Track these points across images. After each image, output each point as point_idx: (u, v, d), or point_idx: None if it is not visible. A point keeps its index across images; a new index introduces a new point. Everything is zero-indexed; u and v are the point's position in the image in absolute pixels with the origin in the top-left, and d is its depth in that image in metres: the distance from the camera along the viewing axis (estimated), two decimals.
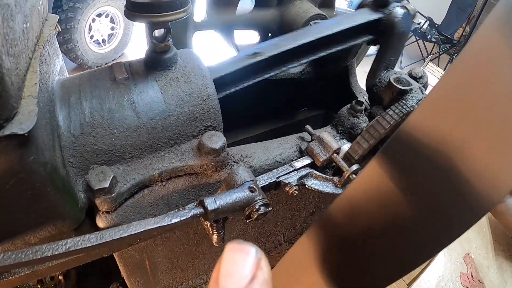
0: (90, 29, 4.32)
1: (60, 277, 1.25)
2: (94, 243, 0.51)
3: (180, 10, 0.69)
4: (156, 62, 0.75)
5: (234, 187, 0.66)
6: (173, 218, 0.56)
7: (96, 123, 0.69)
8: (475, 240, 2.85)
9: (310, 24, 1.28)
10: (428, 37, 5.84)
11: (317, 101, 1.43)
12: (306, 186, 0.90)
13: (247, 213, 0.65)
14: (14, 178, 0.51)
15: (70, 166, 0.68)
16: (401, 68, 5.86)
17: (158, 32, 0.73)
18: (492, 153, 0.34)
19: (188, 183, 0.77)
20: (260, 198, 0.66)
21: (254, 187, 0.66)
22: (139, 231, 0.53)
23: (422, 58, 5.99)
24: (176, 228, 0.62)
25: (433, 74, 5.24)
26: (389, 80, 1.09)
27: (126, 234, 0.53)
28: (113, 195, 0.66)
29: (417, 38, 5.98)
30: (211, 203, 0.59)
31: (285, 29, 1.37)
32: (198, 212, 0.58)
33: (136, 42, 4.92)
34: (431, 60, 5.77)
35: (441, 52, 5.90)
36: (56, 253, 0.51)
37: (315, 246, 0.56)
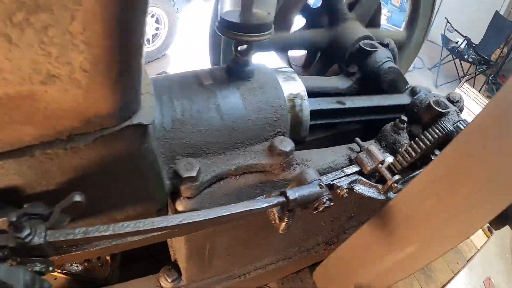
0: None
1: (108, 257, 1.43)
2: (202, 218, 0.69)
3: (265, 33, 0.88)
4: (237, 73, 0.94)
5: (305, 183, 0.84)
6: (263, 204, 0.74)
7: (186, 121, 0.88)
8: (497, 265, 2.96)
9: (360, 45, 1.47)
10: (465, 56, 5.97)
11: None
12: (354, 190, 1.07)
13: (315, 205, 0.83)
14: (129, 159, 0.69)
15: (160, 155, 0.87)
16: (436, 87, 5.99)
17: (241, 48, 0.92)
18: None
19: (257, 179, 0.94)
20: (327, 193, 0.83)
21: (322, 184, 0.84)
22: (237, 211, 0.71)
23: (458, 78, 6.11)
24: (255, 214, 0.80)
25: (468, 95, 5.35)
26: (429, 103, 1.28)
27: (228, 213, 0.70)
28: (197, 183, 0.84)
29: (454, 57, 6.12)
30: (292, 193, 0.77)
31: (335, 48, 1.56)
32: (281, 201, 0.76)
33: (179, 44, 5.20)
34: (466, 81, 5.89)
35: (477, 73, 6.01)
36: (170, 224, 0.69)
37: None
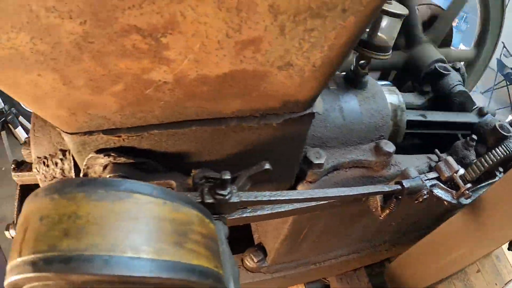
0: None
1: None
2: (350, 193, 0.90)
3: (385, 54, 1.11)
4: (355, 82, 1.17)
5: (409, 178, 1.05)
6: (383, 188, 0.95)
7: (317, 117, 1.09)
8: None
9: (435, 67, 1.69)
10: None
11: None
12: (433, 192, 1.28)
13: (417, 196, 1.04)
14: (293, 139, 0.89)
15: None
16: None
17: (363, 62, 1.14)
18: None
19: (361, 173, 1.16)
20: (425, 188, 1.04)
21: (422, 180, 1.05)
22: (364, 192, 0.93)
23: (510, 105, 6.22)
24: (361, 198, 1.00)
25: None
26: (495, 126, 1.50)
27: (357, 192, 0.92)
28: (321, 170, 1.06)
29: (508, 83, 6.22)
30: (406, 183, 0.98)
31: (410, 68, 1.78)
32: (397, 188, 0.98)
33: None
34: None
35: None
36: (332, 195, 0.89)
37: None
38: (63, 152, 1.01)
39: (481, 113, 1.65)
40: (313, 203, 1.01)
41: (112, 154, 0.79)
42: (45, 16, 0.48)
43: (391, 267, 1.35)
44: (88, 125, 0.73)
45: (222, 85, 0.63)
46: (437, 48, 1.83)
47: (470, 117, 1.63)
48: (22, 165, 1.18)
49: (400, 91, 1.88)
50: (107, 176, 0.82)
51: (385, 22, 1.08)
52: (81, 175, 0.89)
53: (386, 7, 1.05)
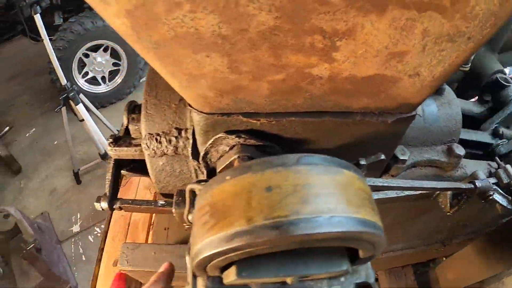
0: None
1: None
2: (436, 186, 1.07)
3: (465, 66, 1.27)
4: None
5: (479, 180, 1.22)
6: (461, 185, 1.12)
7: None
8: None
9: (497, 77, 1.84)
10: None
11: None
12: (493, 197, 1.44)
13: (483, 197, 1.21)
14: (396, 136, 1.04)
15: None
16: None
17: None
18: None
19: (433, 172, 1.33)
20: (492, 189, 1.21)
21: (490, 182, 1.22)
22: (442, 186, 1.10)
23: None
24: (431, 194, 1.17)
25: None
26: None
27: (438, 186, 1.09)
28: (404, 165, 1.24)
29: None
30: (479, 183, 1.15)
31: (471, 79, 1.94)
32: (470, 187, 1.14)
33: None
34: None
35: None
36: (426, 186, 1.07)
37: None
38: (179, 130, 1.15)
39: (496, 133, 1.76)
40: (394, 195, 1.18)
41: (243, 136, 0.95)
42: (245, 5, 0.55)
43: (442, 266, 1.52)
44: (229, 107, 0.87)
45: (362, 85, 0.80)
46: (497, 54, 1.99)
47: (484, 137, 1.74)
48: (120, 140, 1.31)
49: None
50: (235, 156, 0.97)
51: None
52: (201, 153, 1.06)
53: None
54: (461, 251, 1.48)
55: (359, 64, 0.75)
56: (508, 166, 1.49)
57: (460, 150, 1.30)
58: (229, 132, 0.95)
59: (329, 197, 0.54)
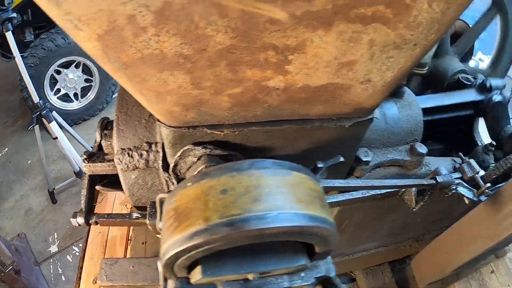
0: None
1: None
2: (398, 184, 1.15)
3: (423, 69, 1.37)
4: (395, 92, 1.42)
5: (441, 175, 1.31)
6: (421, 181, 1.21)
7: None
8: None
9: (459, 77, 1.95)
10: None
11: (441, 138, 2.07)
12: (458, 190, 1.53)
13: (445, 191, 1.29)
14: (354, 139, 1.13)
15: None
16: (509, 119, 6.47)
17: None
18: None
19: (397, 171, 1.42)
20: (454, 184, 1.30)
21: (452, 177, 1.31)
22: (403, 183, 1.18)
23: None
24: (398, 192, 1.25)
25: None
26: (511, 133, 1.76)
27: (400, 184, 1.17)
28: (367, 166, 1.32)
29: None
30: (440, 178, 1.24)
31: (434, 78, 2.05)
32: (432, 182, 1.23)
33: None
34: None
35: None
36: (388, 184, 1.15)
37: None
38: (149, 144, 1.21)
39: (483, 88, 1.81)
40: (361, 195, 1.26)
41: (209, 146, 1.02)
42: (204, 27, 0.62)
43: (416, 260, 1.60)
44: (194, 120, 0.94)
45: (316, 93, 0.88)
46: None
47: (470, 95, 1.82)
48: (94, 156, 1.36)
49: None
50: (202, 166, 1.04)
51: None
52: (171, 165, 1.12)
53: None
54: (432, 242, 1.57)
55: (312, 74, 0.82)
56: (471, 161, 1.58)
57: (422, 149, 1.39)
58: (196, 144, 1.02)
59: (278, 195, 0.61)
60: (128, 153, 1.20)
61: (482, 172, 1.63)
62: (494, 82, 1.79)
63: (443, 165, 1.57)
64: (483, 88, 1.82)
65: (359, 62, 0.81)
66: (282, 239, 0.62)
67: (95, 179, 1.46)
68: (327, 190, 1.03)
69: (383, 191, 1.27)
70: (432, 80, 2.09)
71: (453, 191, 1.32)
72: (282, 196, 0.61)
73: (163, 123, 0.96)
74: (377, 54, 0.80)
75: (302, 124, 0.99)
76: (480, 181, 1.52)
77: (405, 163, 1.41)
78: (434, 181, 1.25)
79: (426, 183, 1.23)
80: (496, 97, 1.78)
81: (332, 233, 0.65)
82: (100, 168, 1.33)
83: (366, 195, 1.31)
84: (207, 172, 0.66)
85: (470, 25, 2.19)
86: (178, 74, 0.75)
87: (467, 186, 1.54)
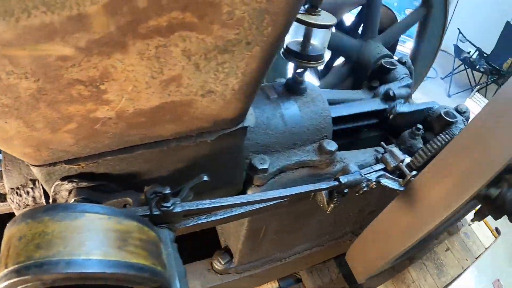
0: None
1: None
2: (285, 194, 1.08)
3: (318, 62, 1.29)
4: (295, 89, 1.34)
5: (349, 173, 1.24)
6: (322, 185, 1.13)
7: (259, 126, 1.27)
8: (507, 268, 3.43)
9: (382, 62, 1.88)
10: (477, 67, 6.50)
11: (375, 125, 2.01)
12: (381, 183, 1.47)
13: (357, 189, 1.23)
14: (231, 151, 1.07)
15: None
16: (449, 96, 6.51)
17: (300, 70, 1.32)
18: None
19: (308, 173, 1.34)
20: (365, 181, 1.23)
21: (362, 174, 1.24)
22: (306, 190, 1.10)
23: (470, 87, 6.64)
24: (308, 195, 1.18)
25: (479, 104, 5.87)
26: (440, 113, 1.69)
27: (300, 191, 1.10)
28: (266, 174, 1.24)
29: (466, 67, 6.65)
30: (343, 179, 1.17)
31: (360, 62, 1.98)
32: (336, 184, 1.16)
33: None
34: (478, 90, 6.40)
35: (489, 83, 6.52)
36: (258, 199, 1.08)
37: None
38: (33, 181, 1.17)
39: (387, 97, 1.78)
40: (261, 205, 1.19)
41: (75, 180, 0.96)
42: (6, 78, 0.62)
43: (349, 255, 1.54)
44: (51, 158, 0.89)
45: (155, 115, 0.80)
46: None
47: (375, 104, 1.77)
48: None
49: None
50: (73, 199, 0.99)
51: (315, 33, 1.27)
52: (50, 201, 1.07)
53: (313, 20, 1.23)
54: (360, 237, 1.50)
55: (137, 98, 0.74)
56: (394, 149, 1.52)
57: (331, 146, 1.32)
58: (63, 179, 0.98)
59: (65, 241, 0.57)
60: (17, 192, 1.18)
61: (408, 159, 1.57)
62: (398, 91, 1.78)
63: (362, 158, 1.51)
64: (387, 97, 1.78)
65: (185, 76, 0.73)
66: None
67: (4, 219, 1.46)
68: (190, 213, 0.95)
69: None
70: (358, 71, 2.03)
71: (365, 189, 1.25)
72: (70, 241, 0.59)
73: (29, 163, 0.93)
74: (202, 64, 0.72)
75: (158, 146, 0.92)
76: (405, 169, 1.45)
77: (314, 163, 1.33)
78: (337, 182, 1.17)
79: (325, 186, 1.15)
80: (400, 108, 1.75)
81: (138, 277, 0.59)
82: (3, 208, 1.34)
83: (270, 203, 1.24)
84: (20, 216, 0.63)
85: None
86: (11, 121, 0.73)
87: (391, 177, 1.48)
